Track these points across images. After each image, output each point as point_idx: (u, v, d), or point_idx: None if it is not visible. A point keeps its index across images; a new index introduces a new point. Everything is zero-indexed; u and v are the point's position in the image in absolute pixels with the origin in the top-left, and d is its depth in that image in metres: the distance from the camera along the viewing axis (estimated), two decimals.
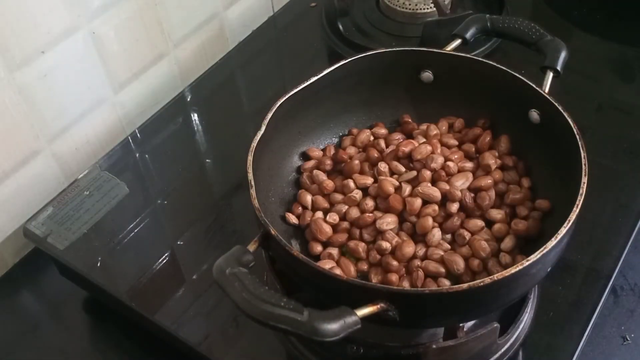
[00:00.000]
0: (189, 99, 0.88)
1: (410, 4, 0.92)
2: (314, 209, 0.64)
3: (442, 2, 0.88)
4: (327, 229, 0.61)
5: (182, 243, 0.71)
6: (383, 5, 0.95)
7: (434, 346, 0.55)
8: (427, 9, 0.92)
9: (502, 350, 0.60)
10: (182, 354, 0.64)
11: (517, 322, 0.60)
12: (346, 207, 0.63)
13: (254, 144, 0.59)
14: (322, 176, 0.66)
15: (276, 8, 1.00)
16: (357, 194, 0.63)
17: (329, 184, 0.65)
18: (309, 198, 0.64)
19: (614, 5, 0.96)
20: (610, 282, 0.64)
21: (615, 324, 0.64)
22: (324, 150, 0.69)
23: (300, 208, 0.64)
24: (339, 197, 0.64)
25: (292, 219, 0.63)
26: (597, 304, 0.63)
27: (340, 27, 0.92)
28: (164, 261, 0.69)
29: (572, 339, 0.61)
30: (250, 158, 0.58)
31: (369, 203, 0.62)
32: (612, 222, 0.70)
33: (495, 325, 0.56)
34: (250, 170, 0.57)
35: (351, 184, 0.64)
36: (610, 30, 0.93)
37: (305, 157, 0.68)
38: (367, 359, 0.59)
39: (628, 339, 0.63)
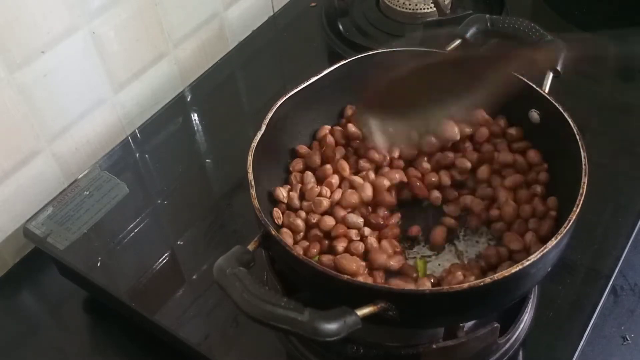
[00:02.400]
0: (189, 99, 0.88)
1: (410, 4, 0.92)
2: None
3: (442, 2, 0.88)
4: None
5: (182, 243, 0.71)
6: (383, 5, 0.95)
7: (434, 346, 0.55)
8: (427, 9, 0.92)
9: (502, 350, 0.60)
10: (182, 354, 0.64)
11: (517, 322, 0.60)
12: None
13: (254, 144, 0.59)
14: (310, 178, 0.65)
15: (276, 8, 1.00)
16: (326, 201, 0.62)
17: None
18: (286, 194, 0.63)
19: (614, 5, 0.96)
20: (610, 282, 0.64)
21: (615, 324, 0.64)
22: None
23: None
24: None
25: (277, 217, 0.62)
26: (597, 304, 0.63)
27: (340, 27, 0.92)
28: (164, 261, 0.69)
29: (572, 339, 0.61)
30: (250, 158, 0.58)
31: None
32: (612, 222, 0.70)
33: (495, 325, 0.56)
34: (250, 170, 0.57)
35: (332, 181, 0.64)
36: (610, 30, 0.93)
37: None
38: (367, 359, 0.59)
39: (628, 339, 0.63)
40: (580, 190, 0.53)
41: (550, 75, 0.64)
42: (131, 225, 0.72)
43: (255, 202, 0.55)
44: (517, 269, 0.49)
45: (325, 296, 0.52)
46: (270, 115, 0.61)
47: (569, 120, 0.58)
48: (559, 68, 0.64)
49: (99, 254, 0.70)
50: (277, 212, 0.61)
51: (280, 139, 0.65)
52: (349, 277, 0.52)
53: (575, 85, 0.81)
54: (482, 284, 0.49)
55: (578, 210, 0.52)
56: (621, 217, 0.70)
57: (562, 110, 0.59)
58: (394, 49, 0.68)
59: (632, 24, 0.94)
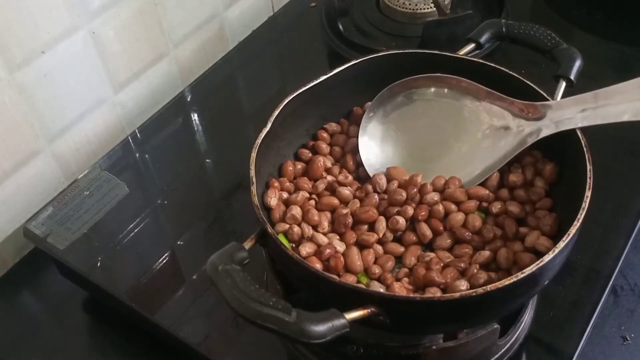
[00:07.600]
0: (189, 99, 0.88)
1: (410, 4, 0.92)
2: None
3: (442, 2, 0.88)
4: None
5: (182, 243, 0.71)
6: (383, 5, 0.95)
7: (434, 347, 0.55)
8: (427, 9, 0.92)
9: (502, 350, 0.60)
10: (182, 354, 0.64)
11: (517, 323, 0.60)
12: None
13: (259, 140, 0.59)
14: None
15: (276, 8, 1.01)
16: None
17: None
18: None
19: (614, 5, 0.96)
20: (610, 282, 0.64)
21: (615, 324, 0.64)
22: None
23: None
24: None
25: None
26: (597, 304, 0.63)
27: (340, 27, 0.92)
28: (164, 261, 0.69)
29: (572, 339, 0.61)
30: (253, 155, 0.58)
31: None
32: (612, 222, 0.69)
33: (495, 326, 0.56)
34: (252, 167, 0.57)
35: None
36: (610, 30, 0.93)
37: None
38: (367, 359, 0.59)
39: (628, 339, 0.63)
40: (583, 205, 0.53)
41: (563, 85, 0.63)
42: (131, 225, 0.72)
43: (255, 200, 0.55)
44: (511, 281, 0.49)
45: (317, 297, 0.52)
46: (277, 112, 0.61)
47: (579, 133, 0.57)
48: (572, 77, 0.63)
49: (99, 254, 0.70)
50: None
51: (283, 137, 0.64)
52: (339, 279, 0.52)
53: (576, 85, 0.81)
54: (473, 294, 0.48)
55: (579, 224, 0.52)
56: (621, 217, 0.70)
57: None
58: (408, 51, 0.67)
59: (631, 24, 0.94)
